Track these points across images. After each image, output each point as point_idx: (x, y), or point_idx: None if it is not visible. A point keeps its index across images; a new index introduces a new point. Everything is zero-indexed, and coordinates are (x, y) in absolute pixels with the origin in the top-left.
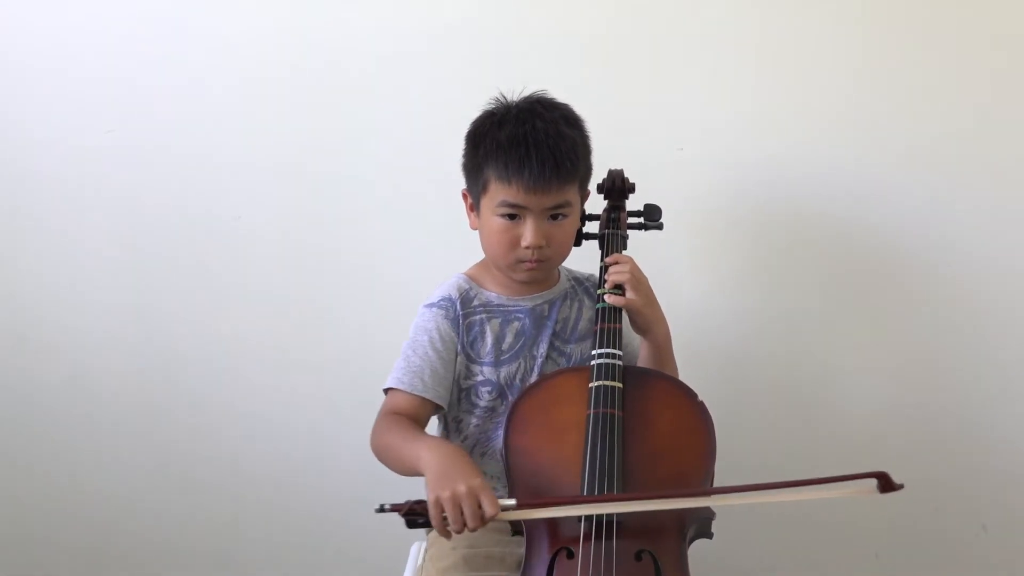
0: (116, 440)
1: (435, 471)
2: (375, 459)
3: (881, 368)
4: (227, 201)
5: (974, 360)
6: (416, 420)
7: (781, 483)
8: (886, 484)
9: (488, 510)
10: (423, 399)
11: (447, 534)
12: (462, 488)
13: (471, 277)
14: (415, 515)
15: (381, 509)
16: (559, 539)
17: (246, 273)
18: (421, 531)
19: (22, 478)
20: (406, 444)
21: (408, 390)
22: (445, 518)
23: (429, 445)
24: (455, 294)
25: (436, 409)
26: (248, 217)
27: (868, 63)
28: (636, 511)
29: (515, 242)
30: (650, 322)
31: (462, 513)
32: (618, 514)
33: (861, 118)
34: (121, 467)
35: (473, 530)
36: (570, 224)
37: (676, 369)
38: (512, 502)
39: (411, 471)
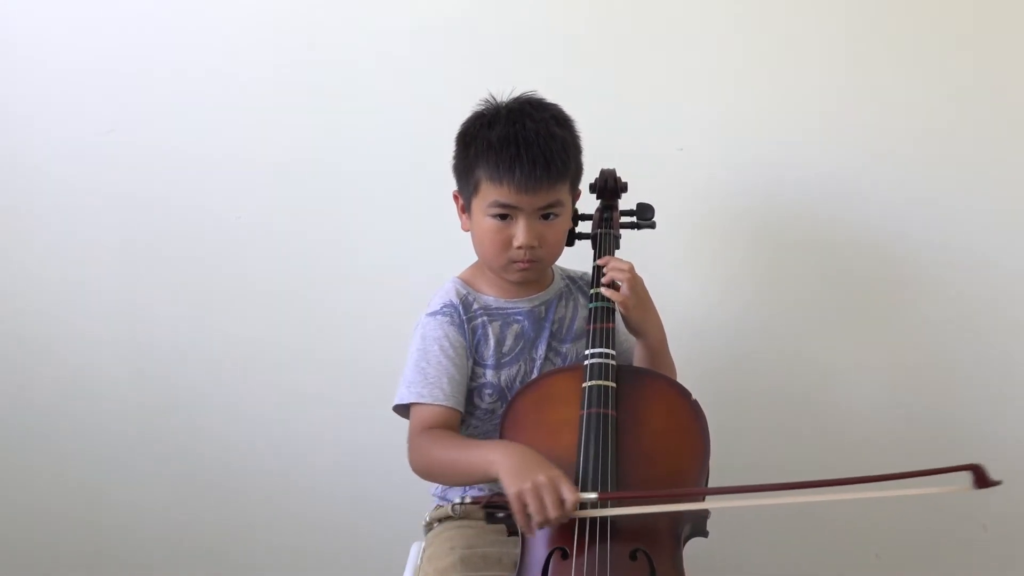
0: (115, 440)
1: (511, 467)
2: (375, 460)
3: (879, 368)
4: (227, 201)
5: (973, 360)
6: (452, 430)
7: (858, 478)
8: (981, 479)
9: (569, 498)
10: (448, 408)
11: (531, 529)
12: (542, 478)
13: (466, 281)
14: (495, 507)
15: (461, 502)
16: (554, 539)
17: (246, 273)
18: (420, 531)
19: (21, 479)
20: (467, 453)
21: (431, 402)
22: (527, 513)
23: (497, 447)
24: (456, 299)
25: (460, 416)
26: (248, 217)
27: (867, 64)
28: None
29: (507, 243)
30: (642, 324)
31: (544, 505)
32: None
33: (859, 118)
34: (120, 467)
35: (556, 521)
36: (562, 224)
37: (674, 371)
38: (593, 496)
39: (479, 479)
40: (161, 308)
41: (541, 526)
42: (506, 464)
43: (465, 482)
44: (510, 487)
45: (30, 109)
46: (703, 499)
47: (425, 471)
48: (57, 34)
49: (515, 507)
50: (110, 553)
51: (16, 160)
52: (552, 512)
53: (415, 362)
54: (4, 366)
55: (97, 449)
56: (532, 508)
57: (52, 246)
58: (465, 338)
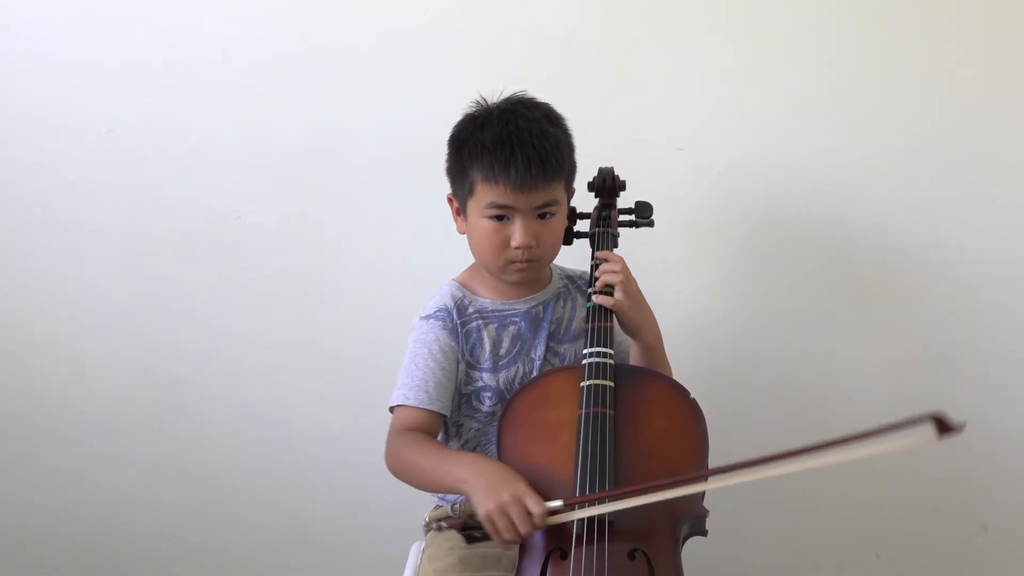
0: (117, 437)
1: (481, 488)
2: (375, 460)
3: (878, 367)
4: (228, 200)
5: (972, 359)
6: (430, 434)
7: (820, 444)
8: (943, 426)
9: (535, 510)
10: (431, 412)
11: (507, 546)
12: (506, 496)
13: (463, 284)
14: (471, 529)
15: (439, 528)
16: (553, 539)
17: (246, 272)
18: (420, 531)
19: (23, 475)
20: (438, 464)
21: (415, 404)
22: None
23: (467, 466)
24: (450, 303)
25: (443, 419)
26: (248, 216)
27: (865, 63)
28: (644, 504)
29: (505, 243)
30: (638, 324)
31: (512, 522)
32: (610, 513)
33: (859, 117)
34: (122, 464)
35: (527, 536)
36: (558, 222)
37: (669, 370)
38: (558, 503)
39: (448, 491)
40: (161, 306)
41: (516, 541)
42: (477, 485)
43: (436, 491)
44: (480, 510)
45: (30, 108)
46: (657, 492)
47: (398, 472)
48: (57, 32)
49: (488, 528)
50: (111, 550)
51: (16, 159)
52: (522, 528)
53: (405, 365)
54: (6, 364)
55: (98, 446)
56: (501, 527)
57: (52, 245)
58: (457, 342)
